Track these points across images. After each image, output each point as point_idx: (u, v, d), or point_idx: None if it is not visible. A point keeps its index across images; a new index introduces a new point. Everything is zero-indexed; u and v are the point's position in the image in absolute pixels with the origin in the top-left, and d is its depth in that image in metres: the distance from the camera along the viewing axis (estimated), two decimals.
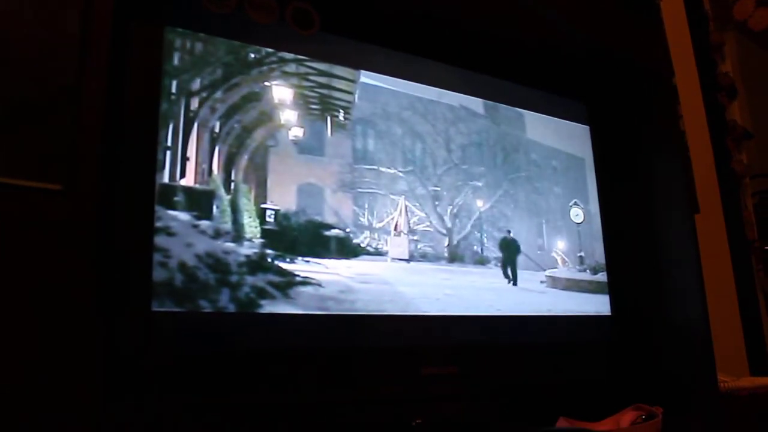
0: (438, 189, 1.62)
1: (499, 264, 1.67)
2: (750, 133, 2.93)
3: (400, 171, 1.56)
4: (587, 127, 1.97)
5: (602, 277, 1.86)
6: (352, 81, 1.53)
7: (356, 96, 1.53)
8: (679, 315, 1.76)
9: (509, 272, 1.68)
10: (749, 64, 3.12)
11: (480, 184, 1.69)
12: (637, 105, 1.94)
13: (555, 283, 1.77)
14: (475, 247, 1.64)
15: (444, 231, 1.61)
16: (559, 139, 1.91)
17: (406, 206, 1.54)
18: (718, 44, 2.98)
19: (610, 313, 1.83)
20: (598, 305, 1.82)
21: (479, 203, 1.68)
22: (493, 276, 1.65)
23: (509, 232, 1.70)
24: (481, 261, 1.64)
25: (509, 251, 1.69)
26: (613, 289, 1.86)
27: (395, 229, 1.51)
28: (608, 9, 1.84)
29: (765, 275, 2.81)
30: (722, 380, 1.76)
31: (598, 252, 1.88)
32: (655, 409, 1.49)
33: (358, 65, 1.54)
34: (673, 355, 1.75)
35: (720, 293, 2.50)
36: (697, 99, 2.81)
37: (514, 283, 1.68)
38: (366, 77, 1.55)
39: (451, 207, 1.63)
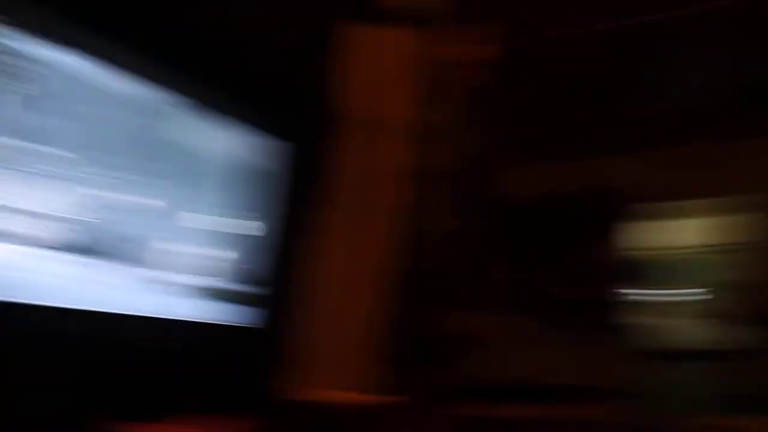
0: (84, 176, 1.56)
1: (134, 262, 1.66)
2: None
3: (57, 153, 1.48)
4: (277, 142, 2.04)
5: (249, 288, 1.94)
6: None
7: None
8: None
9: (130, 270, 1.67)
10: None
11: (136, 179, 1.67)
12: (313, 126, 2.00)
13: (193, 290, 1.81)
14: (115, 242, 1.62)
15: (81, 221, 1.56)
16: (237, 149, 1.95)
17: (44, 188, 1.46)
18: None
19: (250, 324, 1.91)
20: (238, 316, 1.90)
21: (132, 198, 1.66)
22: (126, 273, 1.64)
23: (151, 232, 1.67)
24: (118, 256, 1.62)
25: (128, 248, 1.67)
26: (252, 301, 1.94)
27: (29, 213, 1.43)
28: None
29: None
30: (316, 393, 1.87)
31: (255, 264, 1.95)
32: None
33: None
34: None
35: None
36: None
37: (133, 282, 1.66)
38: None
39: (93, 198, 1.58)
